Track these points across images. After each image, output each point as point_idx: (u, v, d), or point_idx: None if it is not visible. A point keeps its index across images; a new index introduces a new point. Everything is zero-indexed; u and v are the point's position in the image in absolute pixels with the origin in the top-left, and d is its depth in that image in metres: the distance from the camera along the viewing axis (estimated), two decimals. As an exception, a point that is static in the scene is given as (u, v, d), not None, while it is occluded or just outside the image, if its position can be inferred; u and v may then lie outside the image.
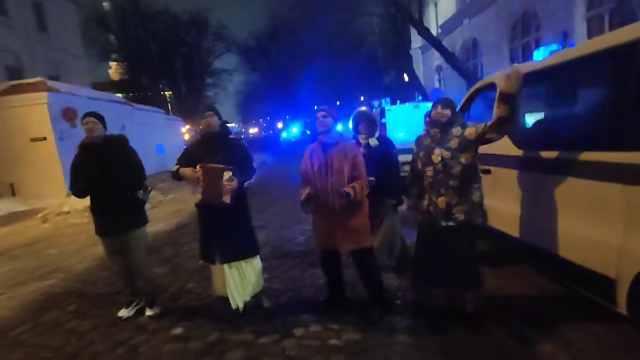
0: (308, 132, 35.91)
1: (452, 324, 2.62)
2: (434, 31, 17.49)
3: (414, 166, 2.73)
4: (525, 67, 2.90)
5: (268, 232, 5.60)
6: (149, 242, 3.43)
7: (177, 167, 2.91)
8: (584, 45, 2.37)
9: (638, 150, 1.85)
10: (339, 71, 28.02)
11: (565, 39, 2.86)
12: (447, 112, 2.54)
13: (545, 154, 2.56)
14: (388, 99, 19.66)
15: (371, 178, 2.98)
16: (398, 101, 14.40)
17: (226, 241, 2.88)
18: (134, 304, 3.26)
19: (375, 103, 20.45)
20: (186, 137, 23.98)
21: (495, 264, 3.49)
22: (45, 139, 9.61)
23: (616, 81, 2.05)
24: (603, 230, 2.08)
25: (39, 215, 8.18)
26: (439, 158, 2.52)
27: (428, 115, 2.72)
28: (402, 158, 4.03)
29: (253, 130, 60.41)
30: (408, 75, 18.66)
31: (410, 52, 22.42)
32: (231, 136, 3.09)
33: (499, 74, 3.51)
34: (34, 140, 9.61)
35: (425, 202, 2.61)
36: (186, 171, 2.83)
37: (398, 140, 4.56)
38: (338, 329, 2.75)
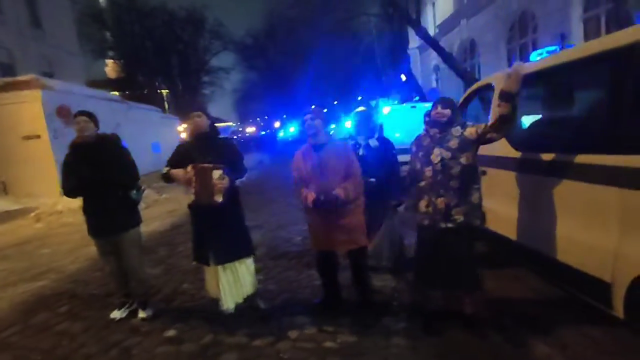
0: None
1: (448, 327, 2.60)
2: (431, 31, 17.51)
3: (412, 166, 2.71)
4: (526, 67, 2.89)
5: (264, 233, 5.57)
6: (143, 242, 3.39)
7: (167, 169, 2.86)
8: (582, 47, 2.36)
9: (635, 154, 1.83)
10: (336, 71, 28.01)
11: (563, 40, 2.84)
12: (447, 111, 2.51)
13: (542, 156, 2.55)
14: (385, 99, 19.68)
15: (372, 179, 2.96)
16: (395, 101, 14.41)
17: (220, 242, 2.85)
18: (127, 306, 3.22)
19: (373, 102, 20.46)
20: (182, 135, 23.86)
21: (492, 266, 3.47)
22: (39, 137, 9.50)
23: (614, 84, 2.03)
24: (599, 234, 2.06)
25: (32, 214, 8.09)
26: (439, 158, 2.49)
27: (428, 115, 2.69)
28: (400, 158, 4.01)
29: (250, 129, 60.23)
30: (405, 75, 18.67)
31: (408, 52, 22.42)
32: (221, 136, 3.06)
33: (497, 74, 3.49)
34: (26, 138, 9.49)
35: (424, 203, 2.58)
36: (177, 172, 2.79)
37: (395, 141, 4.53)
38: (333, 331, 2.73)
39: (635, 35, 1.93)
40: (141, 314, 3.14)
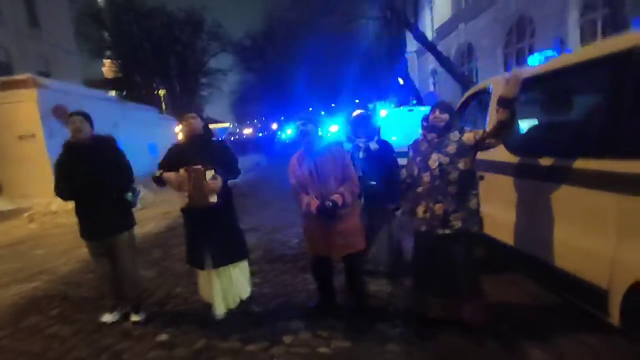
0: (301, 128, 35.72)
1: (444, 333, 2.57)
2: (429, 35, 17.57)
3: (409, 171, 2.68)
4: (524, 72, 2.88)
5: (260, 235, 5.53)
6: (137, 244, 3.34)
7: (160, 172, 2.80)
8: (580, 51, 2.35)
9: (633, 159, 1.82)
10: (334, 73, 28.03)
11: (560, 45, 2.83)
12: (445, 116, 2.50)
13: (540, 161, 2.53)
14: (382, 102, 19.73)
15: (372, 182, 2.94)
16: (393, 104, 14.44)
17: (215, 245, 2.82)
18: (119, 309, 3.16)
19: (370, 105, 20.50)
20: (179, 136, 23.80)
21: (489, 271, 3.43)
22: (34, 136, 9.43)
23: (613, 89, 2.02)
24: (596, 240, 2.05)
25: (25, 214, 8.01)
26: (437, 163, 2.47)
27: (425, 119, 2.67)
28: (399, 162, 4.01)
29: (247, 131, 60.17)
30: (403, 79, 18.71)
31: (406, 55, 22.50)
32: (217, 137, 3.03)
33: (495, 78, 3.49)
34: (22, 137, 9.42)
35: (422, 209, 2.56)
36: (170, 175, 2.74)
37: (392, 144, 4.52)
38: (328, 336, 2.69)
39: (633, 40, 1.92)
40: (133, 318, 3.09)
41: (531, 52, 12.78)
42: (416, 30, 14.07)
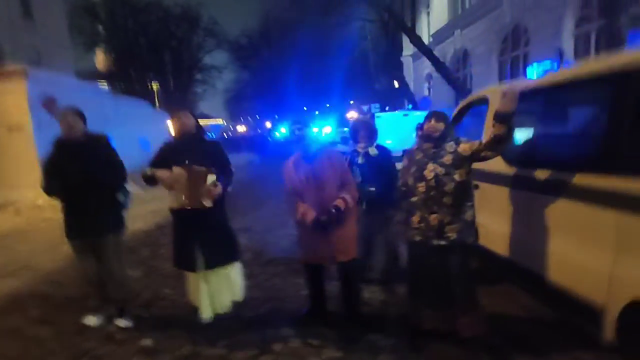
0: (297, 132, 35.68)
1: (437, 345, 2.53)
2: (425, 40, 17.63)
3: (403, 181, 2.65)
4: (522, 84, 2.86)
5: (251, 236, 5.44)
6: (125, 244, 3.24)
7: (151, 170, 2.69)
8: (584, 66, 2.32)
9: (634, 177, 1.79)
10: (329, 74, 28.01)
11: (561, 57, 2.80)
12: (441, 125, 2.47)
13: (538, 173, 2.51)
14: (377, 105, 19.76)
15: (372, 188, 2.89)
16: (387, 107, 14.46)
17: (206, 246, 2.73)
18: (103, 312, 3.06)
19: (365, 108, 20.50)
20: (172, 131, 23.55)
21: (482, 282, 3.41)
22: (22, 127, 9.21)
23: (615, 105, 1.99)
24: (593, 256, 2.02)
25: (11, 207, 7.82)
26: (433, 174, 2.44)
27: (420, 128, 2.63)
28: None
29: (241, 129, 59.86)
30: (398, 82, 18.76)
31: (402, 59, 22.58)
32: (210, 134, 2.95)
33: (492, 88, 3.47)
34: (10, 129, 9.20)
35: (416, 219, 2.52)
36: (163, 173, 2.64)
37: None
38: (318, 345, 2.63)
39: (637, 57, 1.90)
40: (118, 323, 2.98)
41: (526, 60, 12.93)
42: (413, 34, 14.11)
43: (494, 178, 3.03)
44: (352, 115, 25.41)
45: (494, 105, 2.39)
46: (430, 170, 2.45)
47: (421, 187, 2.48)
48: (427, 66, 19.05)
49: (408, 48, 22.03)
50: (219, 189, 2.64)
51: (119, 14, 28.48)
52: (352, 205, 2.61)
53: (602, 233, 1.97)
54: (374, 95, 25.41)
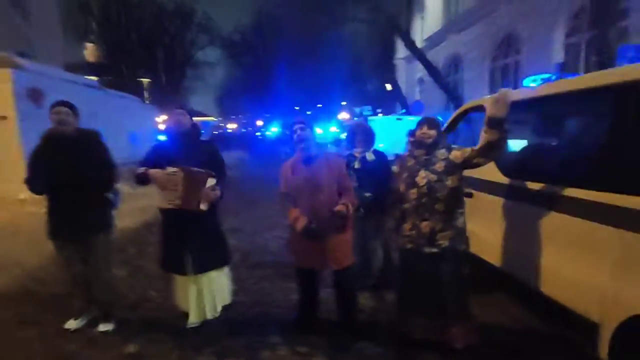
0: (288, 132, 35.64)
1: (426, 355, 2.51)
2: (419, 44, 17.73)
3: (395, 187, 2.63)
4: (522, 94, 2.86)
5: (239, 237, 5.36)
6: (113, 246, 3.15)
7: (144, 169, 2.61)
8: (586, 78, 2.31)
9: (636, 195, 1.79)
10: (322, 74, 27.99)
11: (561, 69, 2.82)
12: (433, 132, 2.46)
13: (534, 185, 2.50)
14: (369, 107, 19.81)
15: (368, 194, 2.86)
16: (379, 110, 14.50)
17: (196, 249, 2.66)
18: (87, 314, 2.96)
19: (357, 109, 20.54)
20: (161, 127, 23.25)
21: (473, 292, 3.40)
22: (5, 118, 8.94)
23: (620, 120, 1.98)
24: (589, 272, 2.02)
25: (-8, 201, 7.59)
26: (425, 181, 2.43)
27: (412, 134, 2.62)
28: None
29: (232, 126, 59.33)
30: (391, 85, 18.83)
31: (394, 62, 22.68)
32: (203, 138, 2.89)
33: (488, 97, 3.47)
34: (-7, 119, 8.92)
35: (408, 226, 2.50)
36: (157, 173, 2.55)
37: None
38: (307, 353, 2.60)
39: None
40: (101, 327, 2.87)
41: (517, 68, 13.11)
42: (407, 38, 14.18)
43: (489, 187, 3.03)
44: (343, 116, 25.46)
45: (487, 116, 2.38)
46: (422, 177, 2.44)
47: (413, 193, 2.47)
48: (419, 70, 19.17)
49: (401, 51, 22.14)
50: (217, 193, 2.59)
51: (112, 9, 27.96)
52: (351, 212, 2.56)
53: (598, 249, 1.97)
54: (366, 97, 25.47)
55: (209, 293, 2.80)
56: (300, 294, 2.90)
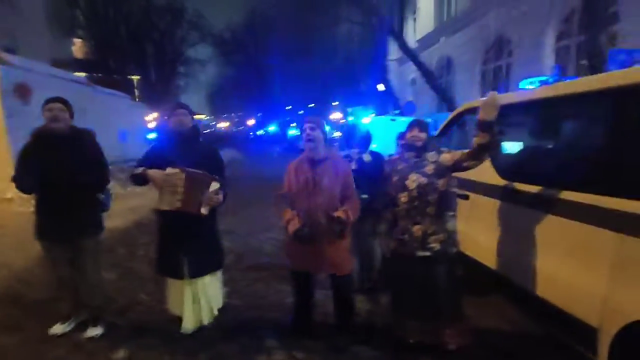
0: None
1: (422, 358, 2.49)
2: (411, 45, 17.80)
3: (388, 190, 2.62)
4: (520, 96, 2.85)
5: (233, 239, 5.27)
6: (102, 247, 3.05)
7: (142, 169, 2.52)
8: (587, 80, 2.29)
9: (634, 197, 1.78)
10: (315, 74, 27.96)
11: (560, 72, 2.81)
12: (424, 135, 2.47)
13: (532, 188, 2.49)
14: (361, 108, 19.80)
15: (364, 196, 2.82)
16: (373, 112, 14.49)
17: (193, 253, 2.59)
18: (74, 318, 2.86)
19: (349, 109, 20.52)
20: (151, 125, 22.95)
21: (468, 294, 3.38)
22: (-9, 114, 8.70)
23: (620, 123, 1.97)
24: (589, 276, 2.01)
25: (-24, 200, 7.38)
26: (415, 184, 2.43)
27: (402, 137, 2.61)
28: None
29: (223, 124, 58.90)
30: (383, 86, 18.87)
31: (387, 63, 22.73)
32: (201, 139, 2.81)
33: (482, 99, 3.47)
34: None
35: (399, 231, 2.50)
36: (155, 173, 2.47)
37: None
38: (303, 358, 2.55)
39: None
40: (89, 332, 2.77)
41: (508, 71, 13.23)
42: (400, 39, 14.22)
43: (486, 190, 3.02)
44: (335, 116, 25.45)
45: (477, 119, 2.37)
46: (413, 180, 2.44)
47: (403, 197, 2.47)
48: (411, 71, 19.26)
49: (393, 52, 22.18)
50: (220, 198, 2.53)
51: (99, 2, 27.47)
52: (354, 218, 2.48)
53: (598, 253, 1.96)
54: (358, 97, 25.48)
55: (204, 297, 2.73)
56: (295, 297, 2.85)
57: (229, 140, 28.85)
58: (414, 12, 20.73)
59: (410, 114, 11.66)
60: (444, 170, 2.42)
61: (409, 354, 2.53)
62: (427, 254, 2.42)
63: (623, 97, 1.94)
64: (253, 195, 8.36)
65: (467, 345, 2.49)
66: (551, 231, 2.33)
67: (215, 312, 2.80)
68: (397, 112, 13.97)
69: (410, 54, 14.30)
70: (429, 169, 2.42)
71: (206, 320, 2.76)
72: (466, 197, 3.27)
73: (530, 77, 3.10)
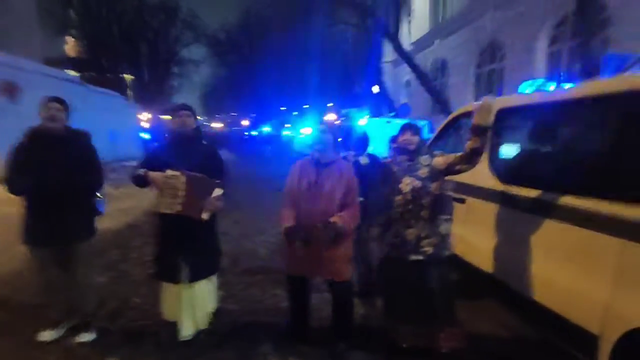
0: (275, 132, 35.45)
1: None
2: (406, 47, 17.86)
3: (382, 194, 2.60)
4: (521, 99, 2.85)
5: (226, 241, 5.13)
6: (94, 250, 2.98)
7: (143, 170, 2.47)
8: (589, 86, 2.29)
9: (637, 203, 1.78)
10: (309, 75, 27.92)
11: (560, 76, 2.81)
12: (416, 138, 2.48)
13: (532, 193, 2.48)
14: (356, 109, 19.81)
15: (361, 198, 2.79)
16: (367, 113, 14.48)
17: (192, 257, 2.55)
18: (64, 324, 2.77)
19: (344, 111, 20.52)
20: (144, 125, 22.72)
21: (462, 298, 3.37)
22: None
23: (625, 129, 1.97)
24: (589, 283, 2.00)
25: (-37, 200, 7.20)
26: (409, 187, 2.43)
27: (394, 140, 2.61)
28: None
29: (217, 125, 58.67)
30: (378, 87, 18.92)
31: (382, 65, 22.80)
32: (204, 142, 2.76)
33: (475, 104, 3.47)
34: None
35: (392, 235, 2.50)
36: (157, 176, 2.42)
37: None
38: (299, 364, 2.52)
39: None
40: (81, 338, 2.70)
41: (501, 74, 13.33)
42: (396, 41, 14.27)
43: (483, 193, 3.01)
44: (330, 117, 25.45)
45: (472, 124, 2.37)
46: (407, 183, 2.44)
47: (398, 200, 2.47)
48: (406, 73, 19.33)
49: (388, 54, 22.24)
50: (221, 204, 2.49)
51: (92, 1, 27.17)
52: (348, 227, 2.43)
53: (599, 259, 1.95)
54: (352, 99, 25.52)
55: (200, 302, 2.68)
56: (290, 302, 2.82)
57: (222, 141, 28.68)
58: (409, 14, 20.81)
59: (405, 116, 11.68)
60: (437, 174, 2.42)
61: (402, 359, 2.51)
62: (420, 257, 2.42)
63: (623, 103, 1.93)
64: (246, 196, 8.26)
65: (461, 349, 2.48)
66: (551, 236, 2.32)
67: (207, 318, 2.75)
68: (392, 114, 14.01)
69: (405, 56, 14.34)
70: (423, 172, 2.43)
71: (202, 325, 2.70)
72: (462, 201, 3.26)
73: (523, 80, 3.11)
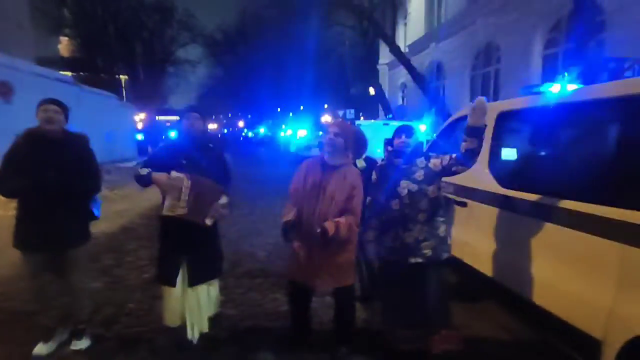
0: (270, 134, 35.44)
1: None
2: (401, 50, 17.91)
3: (373, 197, 2.60)
4: (524, 102, 2.83)
5: (224, 244, 5.04)
6: (88, 254, 2.91)
7: (147, 170, 2.41)
8: (595, 88, 2.27)
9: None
10: (305, 77, 27.92)
11: (564, 77, 2.79)
12: (412, 141, 2.47)
13: (534, 197, 2.46)
14: (352, 111, 19.85)
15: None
16: (361, 114, 14.53)
17: (194, 261, 2.51)
18: (58, 335, 2.68)
19: (340, 112, 20.54)
20: (139, 125, 22.54)
21: (460, 300, 3.36)
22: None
23: (628, 132, 1.95)
24: (593, 288, 1.98)
25: (-46, 202, 7.07)
26: (406, 190, 2.41)
27: (390, 143, 2.59)
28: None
29: (212, 126, 58.48)
30: (374, 90, 18.96)
31: (378, 67, 22.86)
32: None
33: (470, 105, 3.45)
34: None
35: (390, 237, 2.47)
36: (161, 177, 2.37)
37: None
38: (300, 369, 2.47)
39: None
40: (74, 346, 2.62)
41: (497, 77, 13.40)
42: (392, 43, 14.29)
43: (484, 197, 2.98)
44: (326, 119, 25.42)
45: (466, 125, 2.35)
46: (403, 186, 2.42)
47: (395, 204, 2.44)
48: (402, 75, 19.37)
49: (384, 57, 22.31)
50: (227, 211, 2.45)
51: (87, 0, 26.93)
52: (345, 233, 2.33)
53: (603, 265, 1.93)
54: (348, 100, 25.55)
55: (205, 305, 2.63)
56: (291, 306, 2.77)
57: (218, 143, 28.51)
58: (405, 17, 20.87)
59: (402, 118, 11.70)
60: (433, 176, 2.41)
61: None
62: (419, 260, 2.40)
63: (625, 106, 1.92)
64: (241, 198, 8.21)
65: (459, 351, 2.46)
66: (555, 241, 2.30)
67: (207, 323, 2.69)
68: (390, 116, 14.02)
69: (402, 59, 14.37)
70: (419, 175, 2.42)
71: (202, 330, 2.65)
72: (464, 205, 3.24)
73: (519, 82, 3.10)
